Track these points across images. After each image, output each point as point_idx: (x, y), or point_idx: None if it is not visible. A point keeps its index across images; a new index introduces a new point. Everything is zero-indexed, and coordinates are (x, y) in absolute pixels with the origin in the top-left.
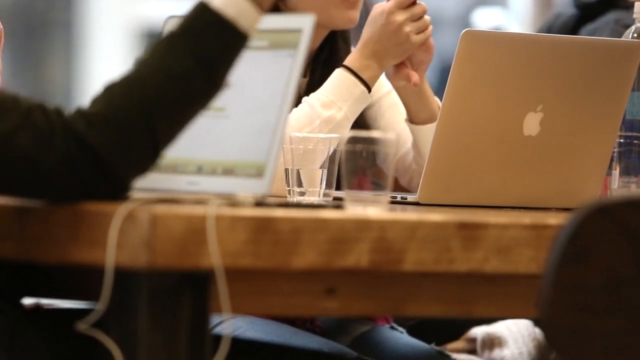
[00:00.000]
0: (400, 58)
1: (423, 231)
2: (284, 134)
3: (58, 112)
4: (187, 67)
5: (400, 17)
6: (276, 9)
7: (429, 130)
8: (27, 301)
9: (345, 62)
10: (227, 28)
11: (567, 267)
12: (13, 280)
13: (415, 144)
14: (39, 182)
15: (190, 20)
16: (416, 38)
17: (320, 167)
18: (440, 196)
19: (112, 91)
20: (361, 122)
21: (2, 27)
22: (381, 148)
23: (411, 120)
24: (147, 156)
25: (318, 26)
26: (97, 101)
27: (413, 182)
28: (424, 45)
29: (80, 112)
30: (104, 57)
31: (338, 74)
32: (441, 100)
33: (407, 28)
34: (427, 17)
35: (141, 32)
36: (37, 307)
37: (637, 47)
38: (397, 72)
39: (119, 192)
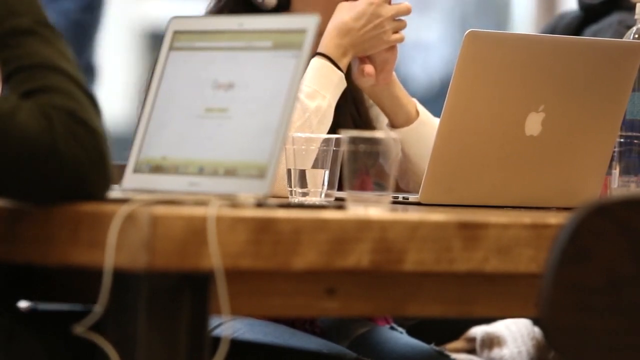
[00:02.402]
0: (369, 51)
1: (424, 231)
2: (286, 135)
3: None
4: (39, 33)
5: (387, 11)
6: (278, 10)
7: (408, 133)
8: (24, 304)
9: (322, 49)
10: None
11: (567, 267)
12: (10, 282)
13: (401, 148)
14: (42, 158)
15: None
16: (391, 37)
17: (323, 168)
18: (442, 196)
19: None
20: (363, 123)
21: None
22: (383, 148)
23: (391, 124)
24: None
25: (320, 31)
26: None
27: (410, 186)
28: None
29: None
30: (107, 57)
31: (316, 63)
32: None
33: (388, 25)
34: (404, 19)
35: (145, 33)
36: (33, 310)
37: (637, 47)
38: (358, 67)
39: (108, 152)
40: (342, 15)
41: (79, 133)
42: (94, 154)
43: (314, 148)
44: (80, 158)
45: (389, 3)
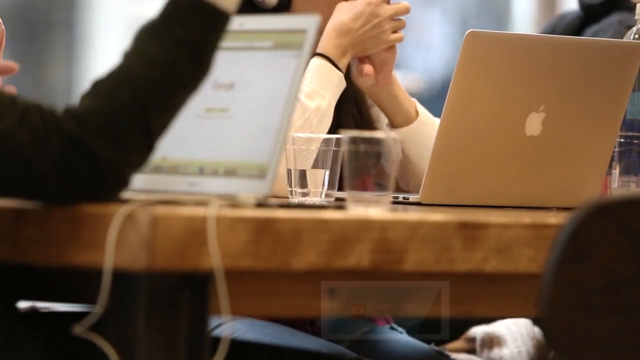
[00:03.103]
0: (368, 51)
1: (424, 231)
2: (286, 135)
3: (54, 113)
4: (173, 54)
5: (385, 11)
6: (279, 10)
7: (408, 133)
8: (23, 304)
9: (321, 50)
10: (207, 10)
11: (567, 267)
12: (10, 282)
13: (401, 148)
14: (35, 184)
15: (171, 6)
16: (390, 37)
17: (323, 168)
18: (442, 196)
19: (100, 86)
20: (365, 123)
21: (3, 27)
22: (384, 148)
23: (391, 124)
24: (143, 148)
25: (321, 31)
26: (86, 98)
27: (410, 186)
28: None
29: (70, 111)
30: (107, 58)
31: (316, 63)
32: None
33: (386, 24)
34: (403, 19)
35: None
36: (33, 310)
37: (637, 47)
38: (357, 67)
39: (117, 188)
40: (341, 15)
41: (76, 160)
42: (90, 183)
43: (314, 148)
44: (73, 185)
45: (388, 3)
